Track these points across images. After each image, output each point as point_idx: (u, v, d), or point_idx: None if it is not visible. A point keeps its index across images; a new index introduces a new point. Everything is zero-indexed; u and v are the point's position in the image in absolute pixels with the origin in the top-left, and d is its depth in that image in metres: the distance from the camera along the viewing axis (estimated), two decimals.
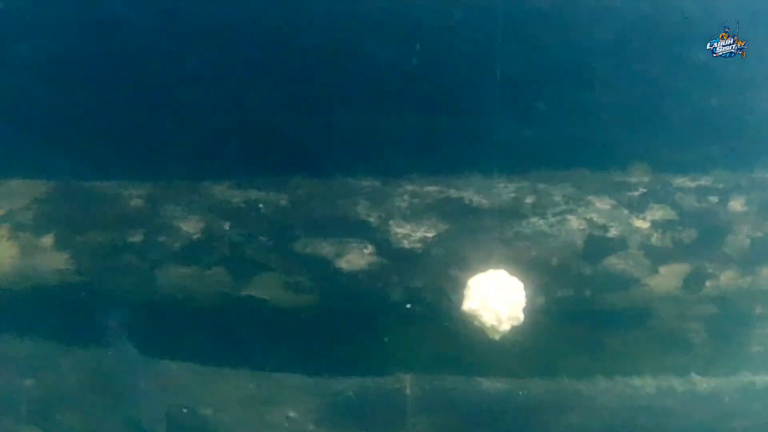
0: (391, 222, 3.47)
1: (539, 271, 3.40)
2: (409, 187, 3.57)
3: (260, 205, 3.54)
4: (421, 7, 3.46)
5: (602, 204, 3.53)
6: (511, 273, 3.20)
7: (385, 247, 3.44)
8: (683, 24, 3.49)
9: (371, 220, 3.48)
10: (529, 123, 3.60)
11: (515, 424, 3.54)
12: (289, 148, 3.66)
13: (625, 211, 3.51)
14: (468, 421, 3.53)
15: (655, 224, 3.50)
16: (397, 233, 3.45)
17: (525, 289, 3.28)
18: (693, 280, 3.51)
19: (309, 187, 3.58)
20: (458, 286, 3.17)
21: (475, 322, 3.10)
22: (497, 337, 3.07)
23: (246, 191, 3.58)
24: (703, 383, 3.60)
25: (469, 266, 3.24)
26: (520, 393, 3.54)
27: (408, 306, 3.38)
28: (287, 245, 3.47)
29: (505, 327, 3.06)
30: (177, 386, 3.59)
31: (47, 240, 3.57)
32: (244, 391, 3.57)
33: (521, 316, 3.08)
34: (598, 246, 3.46)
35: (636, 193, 3.56)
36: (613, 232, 3.48)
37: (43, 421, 3.60)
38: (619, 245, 3.46)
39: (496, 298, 3.07)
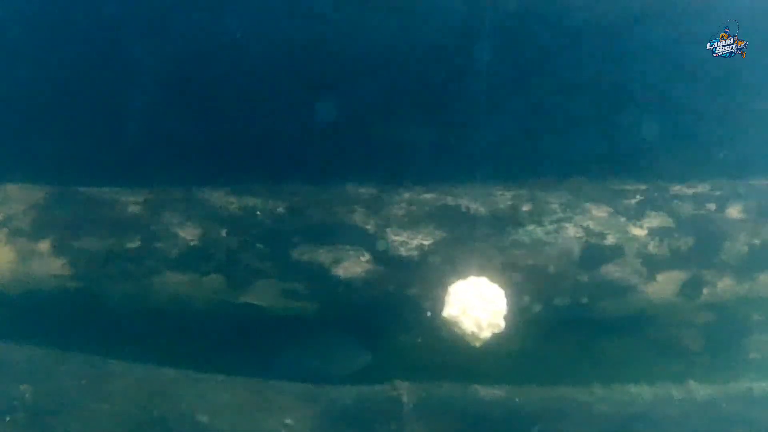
0: (388, 229, 3.47)
1: (536, 278, 3.41)
2: (407, 195, 3.57)
3: (257, 212, 3.54)
4: (420, 16, 3.46)
5: (599, 212, 3.53)
6: (508, 280, 3.22)
7: (381, 254, 3.43)
8: (679, 29, 3.49)
9: (368, 227, 3.48)
10: (526, 131, 3.60)
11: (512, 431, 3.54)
12: (286, 155, 3.66)
13: (622, 219, 3.51)
14: (464, 429, 3.53)
15: (652, 232, 3.50)
16: (394, 241, 3.45)
17: (521, 296, 3.29)
18: (690, 288, 3.52)
19: (306, 194, 3.58)
20: (453, 293, 3.17)
21: (469, 329, 3.11)
22: (491, 343, 3.06)
23: (243, 198, 3.58)
24: (700, 390, 3.61)
25: (465, 274, 3.24)
26: (517, 400, 3.54)
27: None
28: (284, 252, 3.46)
29: (500, 333, 3.07)
30: (173, 393, 3.59)
31: (44, 245, 3.56)
32: (240, 398, 3.56)
33: (516, 323, 3.08)
34: (595, 254, 3.46)
35: (633, 201, 3.56)
36: (610, 240, 3.48)
37: (39, 427, 3.59)
38: (616, 253, 3.46)
39: (489, 303, 3.08)
